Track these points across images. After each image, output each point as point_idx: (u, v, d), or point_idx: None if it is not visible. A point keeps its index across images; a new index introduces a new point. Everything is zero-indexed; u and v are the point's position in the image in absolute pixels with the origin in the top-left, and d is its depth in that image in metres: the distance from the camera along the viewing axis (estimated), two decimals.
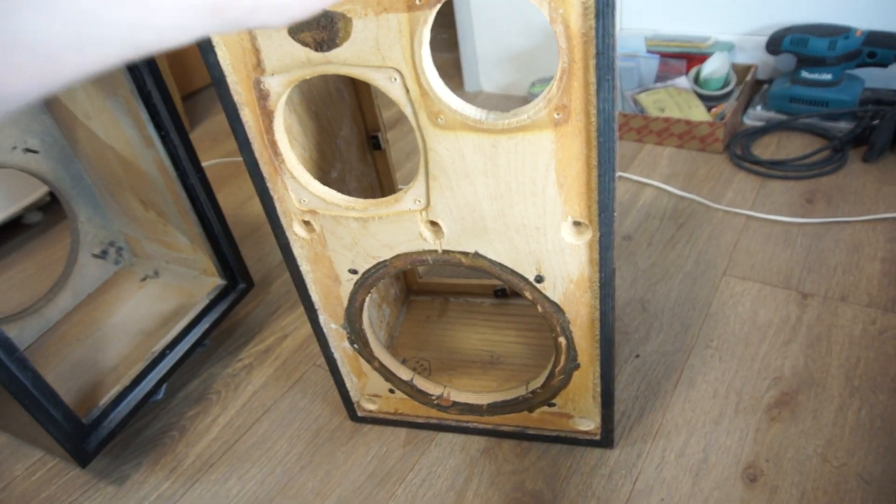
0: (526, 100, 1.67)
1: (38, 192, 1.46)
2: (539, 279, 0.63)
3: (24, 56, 0.17)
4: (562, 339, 0.68)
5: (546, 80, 1.56)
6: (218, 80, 0.57)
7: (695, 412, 0.81)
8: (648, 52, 1.42)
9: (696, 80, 1.36)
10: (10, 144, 0.93)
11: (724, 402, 0.81)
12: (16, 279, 1.36)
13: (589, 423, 0.78)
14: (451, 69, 1.88)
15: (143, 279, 1.13)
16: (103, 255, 1.13)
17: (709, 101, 1.35)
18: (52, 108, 0.96)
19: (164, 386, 0.95)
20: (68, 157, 1.02)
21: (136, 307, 1.08)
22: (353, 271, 0.70)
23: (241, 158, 1.63)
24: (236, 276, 1.04)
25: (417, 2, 0.48)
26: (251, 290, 1.07)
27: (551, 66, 1.61)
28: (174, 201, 0.97)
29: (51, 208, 1.57)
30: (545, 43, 1.59)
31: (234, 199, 1.47)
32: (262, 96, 0.58)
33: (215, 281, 1.06)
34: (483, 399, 0.80)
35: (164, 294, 1.09)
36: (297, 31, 0.52)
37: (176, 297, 1.08)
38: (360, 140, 0.85)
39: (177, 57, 1.96)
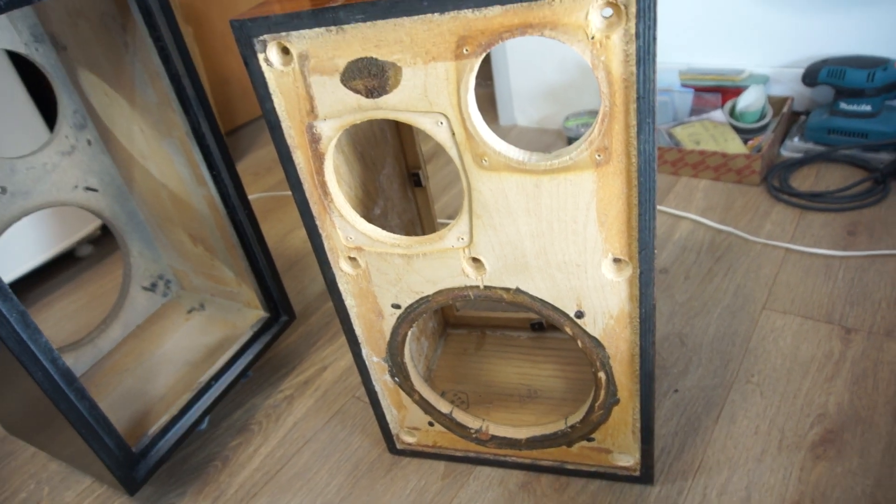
0: (560, 133, 1.69)
1: (90, 226, 1.53)
2: (579, 315, 0.64)
3: None
4: (602, 375, 0.69)
5: (580, 115, 1.59)
6: (273, 125, 0.60)
7: (736, 448, 0.80)
8: (683, 85, 1.44)
9: (732, 113, 1.37)
10: (72, 183, 0.99)
11: (766, 439, 0.80)
12: (68, 310, 1.42)
13: (628, 459, 0.77)
14: (486, 103, 1.92)
15: (190, 311, 1.17)
16: (153, 287, 1.17)
17: (745, 133, 1.35)
18: (112, 148, 1.02)
19: (208, 416, 0.98)
20: (124, 194, 1.07)
21: (183, 339, 1.12)
22: (397, 306, 0.72)
23: (281, 193, 1.69)
24: (279, 309, 1.07)
25: (464, 51, 0.50)
26: (290, 325, 1.10)
27: (584, 101, 1.63)
28: (222, 236, 1.01)
29: (101, 241, 1.64)
30: (579, 78, 1.62)
31: (275, 233, 1.51)
32: (314, 140, 0.61)
33: (259, 313, 1.09)
34: (522, 433, 0.81)
35: (209, 326, 1.13)
36: (350, 79, 0.55)
37: (221, 329, 1.11)
38: (401, 177, 0.88)
39: (220, 95, 2.04)
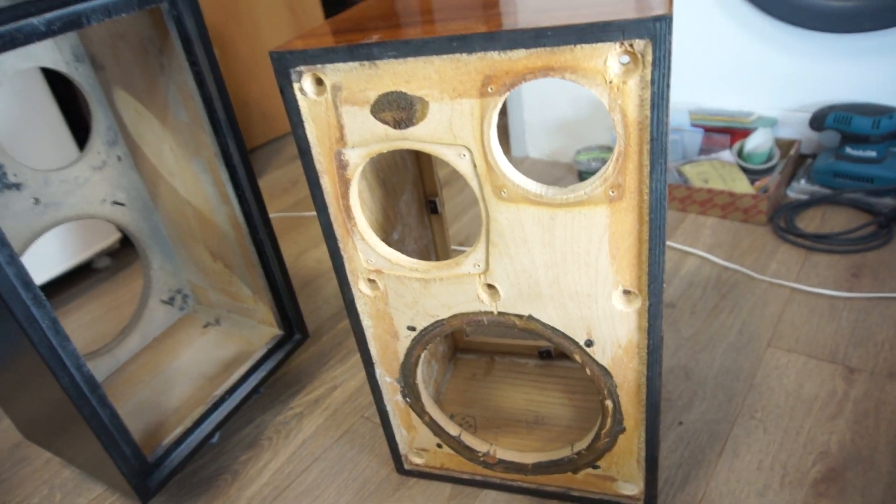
0: (570, 167, 1.73)
1: (109, 239, 1.56)
2: (589, 343, 0.67)
3: None
4: (609, 403, 0.71)
5: (591, 149, 1.62)
6: (303, 151, 0.64)
7: (739, 483, 0.81)
8: (692, 125, 1.48)
9: (740, 153, 1.40)
10: (101, 197, 1.03)
11: (769, 475, 0.81)
12: (84, 320, 1.45)
13: (633, 488, 0.79)
14: (499, 135, 1.96)
15: (206, 326, 1.20)
16: (171, 301, 1.20)
17: (752, 174, 1.39)
18: (140, 165, 1.06)
19: (220, 430, 1.00)
20: (149, 209, 1.11)
21: (198, 352, 1.14)
22: (412, 328, 0.75)
23: (296, 214, 1.72)
24: (293, 327, 1.10)
25: (489, 90, 0.54)
26: (303, 343, 1.12)
27: (595, 136, 1.67)
28: (242, 254, 1.04)
29: (119, 254, 1.68)
30: (591, 114, 1.66)
31: (290, 253, 1.54)
32: (342, 166, 0.64)
33: (273, 331, 1.12)
34: (528, 458, 0.82)
35: (224, 341, 1.15)
36: (380, 110, 0.59)
37: (235, 344, 1.14)
38: (419, 204, 0.91)
39: (240, 116, 2.10)
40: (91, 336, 1.38)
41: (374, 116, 0.59)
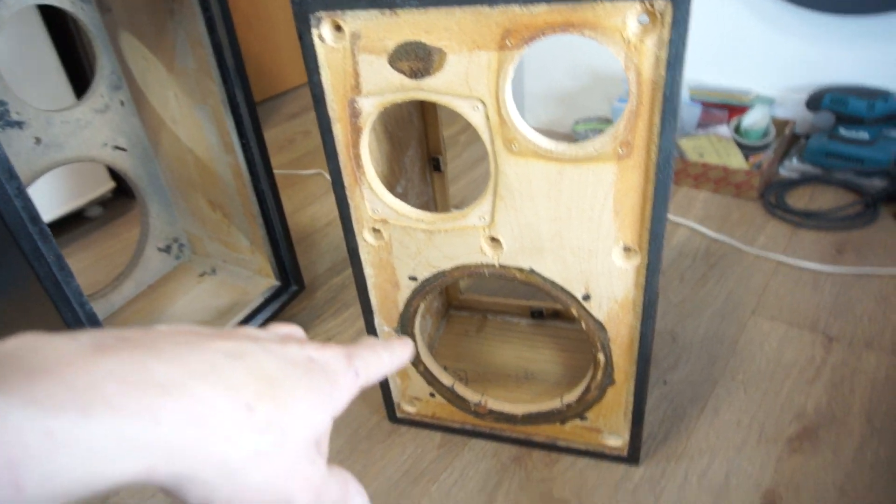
0: (569, 137, 1.74)
1: (102, 188, 1.56)
2: (586, 297, 0.69)
3: None
4: (601, 356, 0.74)
5: (589, 120, 1.64)
6: (318, 98, 0.65)
7: (718, 438, 0.85)
8: (691, 100, 1.49)
9: (737, 129, 1.43)
10: (102, 141, 1.02)
11: (747, 432, 0.85)
12: (75, 268, 1.44)
13: (617, 440, 0.82)
14: None
15: (201, 275, 1.21)
16: (167, 249, 1.21)
17: (747, 150, 1.41)
18: (143, 111, 1.06)
19: None
20: (149, 156, 1.11)
21: (193, 301, 1.16)
22: (413, 278, 0.77)
23: (292, 171, 1.73)
24: (290, 279, 1.11)
25: (508, 43, 0.55)
26: (298, 295, 1.14)
27: (595, 107, 1.68)
28: (242, 204, 1.05)
29: (111, 204, 1.67)
30: (590, 84, 1.67)
31: (286, 209, 1.55)
32: (354, 114, 0.65)
33: (270, 282, 1.13)
34: (518, 409, 0.86)
35: (220, 290, 1.17)
36: (397, 59, 0.60)
37: (231, 294, 1.15)
38: (422, 161, 0.93)
39: None
40: (83, 283, 1.38)
41: (391, 66, 0.60)
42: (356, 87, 0.63)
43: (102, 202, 1.63)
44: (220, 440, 0.21)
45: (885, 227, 1.22)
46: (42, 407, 0.18)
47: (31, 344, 0.20)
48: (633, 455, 0.82)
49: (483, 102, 0.59)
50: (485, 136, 0.61)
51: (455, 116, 1.89)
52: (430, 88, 0.60)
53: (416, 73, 0.60)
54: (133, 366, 0.20)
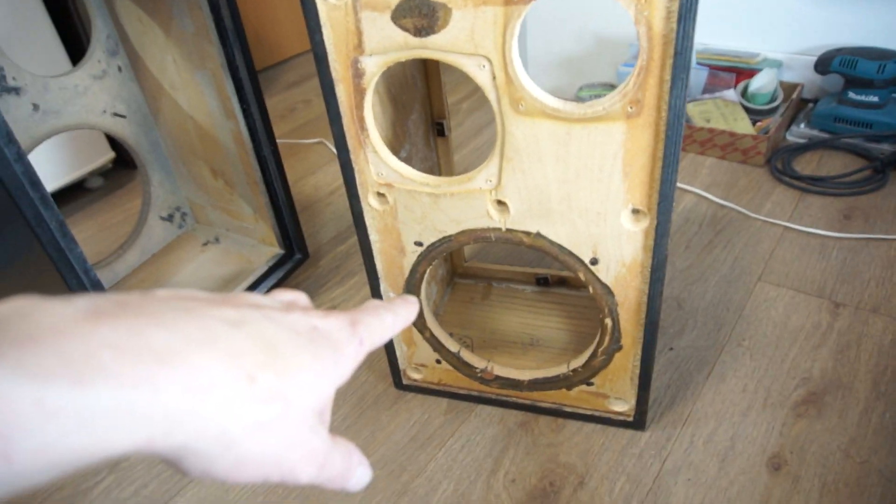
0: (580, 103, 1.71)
1: (102, 158, 1.54)
2: (594, 262, 0.68)
3: None
4: (608, 321, 0.73)
5: (593, 86, 1.61)
6: (320, 58, 0.63)
7: (724, 404, 0.85)
8: (698, 63, 1.47)
9: (744, 93, 1.40)
10: (101, 108, 1.01)
11: (752, 397, 0.85)
12: (77, 238, 1.44)
13: (623, 405, 0.83)
14: None
15: (205, 244, 1.20)
16: (170, 218, 1.20)
17: (754, 114, 1.39)
18: (141, 77, 1.04)
19: None
20: (149, 123, 1.09)
21: (198, 269, 1.15)
22: (419, 244, 0.76)
23: (293, 140, 1.71)
24: (294, 247, 1.10)
25: None
26: (303, 263, 1.13)
27: (599, 72, 1.66)
28: (245, 171, 1.04)
29: (112, 174, 1.66)
30: (595, 50, 1.64)
31: (289, 179, 1.53)
32: (358, 75, 0.64)
33: (273, 250, 1.13)
34: (525, 375, 0.86)
35: (224, 259, 1.16)
36: (400, 16, 0.58)
37: (235, 262, 1.15)
38: (426, 125, 0.91)
39: None
40: (86, 254, 1.38)
41: (395, 23, 0.59)
42: (359, 46, 0.61)
43: (103, 173, 1.62)
44: (221, 411, 0.20)
45: (893, 192, 1.21)
46: (31, 375, 0.17)
47: (24, 309, 0.19)
48: (639, 420, 0.82)
49: (489, 60, 0.57)
50: (491, 96, 0.60)
51: (458, 84, 1.86)
52: (434, 46, 0.59)
53: (420, 31, 0.58)
54: (130, 333, 0.19)
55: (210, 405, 0.20)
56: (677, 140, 0.56)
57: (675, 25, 0.50)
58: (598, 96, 1.57)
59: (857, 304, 0.97)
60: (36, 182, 0.69)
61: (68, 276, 0.74)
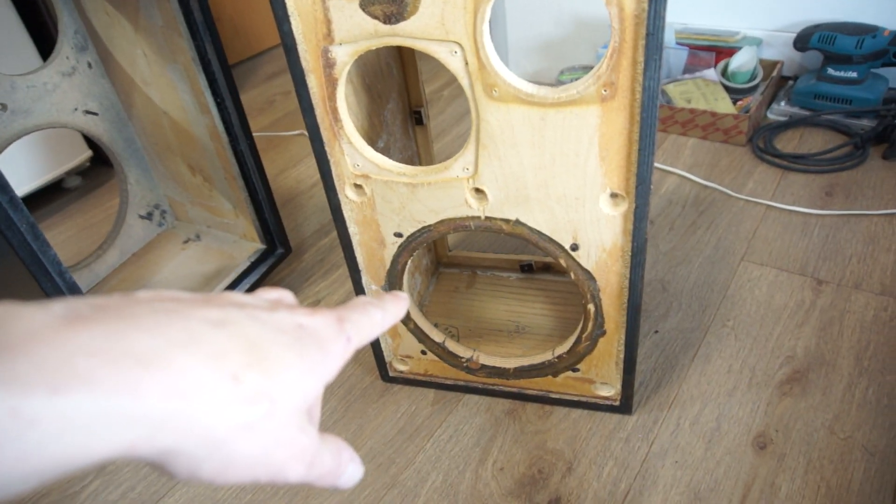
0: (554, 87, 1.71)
1: (79, 157, 1.52)
2: (574, 247, 0.68)
3: None
4: (591, 306, 0.73)
5: (574, 70, 1.60)
6: (289, 48, 0.62)
7: (710, 385, 0.85)
8: (678, 43, 1.46)
9: (724, 72, 1.40)
10: (72, 106, 0.99)
11: (737, 377, 0.86)
12: (56, 240, 1.42)
13: (609, 389, 0.83)
14: None
15: (186, 241, 1.19)
16: (149, 216, 1.19)
17: (735, 93, 1.39)
18: (112, 72, 1.02)
19: None
20: (123, 120, 1.07)
21: (179, 267, 1.14)
22: (399, 235, 0.75)
23: (272, 133, 1.69)
24: (276, 242, 1.09)
25: None
26: (286, 258, 1.12)
27: (580, 56, 1.64)
28: (223, 167, 1.02)
29: (90, 173, 1.63)
30: (575, 33, 1.63)
31: (268, 173, 1.52)
32: (329, 64, 0.62)
33: (255, 245, 1.11)
34: (510, 363, 0.85)
35: (205, 256, 1.15)
36: (369, 4, 0.57)
37: (217, 259, 1.13)
38: (404, 114, 0.90)
39: None
40: (65, 255, 1.36)
41: (364, 10, 0.57)
42: (328, 36, 0.60)
43: (81, 172, 1.60)
44: (206, 413, 0.20)
45: (873, 167, 1.21)
46: (6, 385, 0.16)
47: None
48: (625, 404, 0.82)
49: (461, 46, 0.56)
50: (464, 83, 0.59)
51: (437, 71, 1.85)
52: (405, 33, 0.57)
53: (389, 18, 0.57)
54: (109, 337, 0.19)
55: (195, 407, 0.20)
56: (652, 122, 0.55)
57: (646, 6, 0.49)
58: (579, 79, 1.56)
59: (840, 281, 0.98)
60: (3, 185, 0.68)
61: (42, 279, 0.73)
